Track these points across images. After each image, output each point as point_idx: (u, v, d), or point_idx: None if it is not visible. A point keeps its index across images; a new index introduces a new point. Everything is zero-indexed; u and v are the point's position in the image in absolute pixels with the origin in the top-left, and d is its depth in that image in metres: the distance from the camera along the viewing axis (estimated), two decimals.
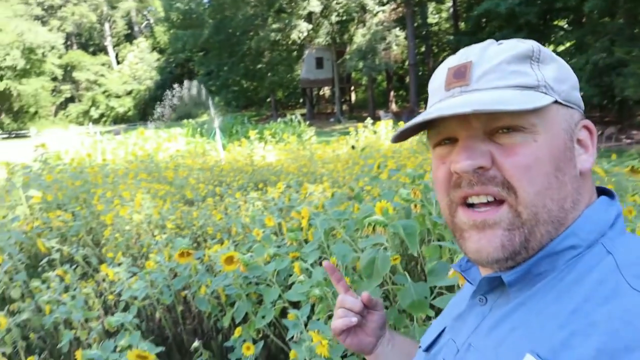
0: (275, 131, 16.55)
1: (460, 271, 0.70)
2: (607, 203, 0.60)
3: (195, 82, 26.09)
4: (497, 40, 0.64)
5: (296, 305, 2.16)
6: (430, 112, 0.59)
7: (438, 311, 2.10)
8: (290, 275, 2.37)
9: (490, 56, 0.59)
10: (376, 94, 38.33)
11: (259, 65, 34.56)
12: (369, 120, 10.03)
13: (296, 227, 2.43)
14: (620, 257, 0.52)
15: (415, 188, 1.99)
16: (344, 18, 30.84)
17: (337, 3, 28.90)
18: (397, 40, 29.21)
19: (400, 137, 0.64)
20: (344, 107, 36.86)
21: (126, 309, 2.40)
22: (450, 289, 1.72)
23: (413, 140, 9.29)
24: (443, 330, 0.71)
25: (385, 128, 9.73)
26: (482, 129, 0.58)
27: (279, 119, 24.29)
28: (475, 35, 27.64)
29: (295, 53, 35.40)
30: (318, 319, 1.76)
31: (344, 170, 6.12)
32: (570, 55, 20.65)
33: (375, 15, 29.03)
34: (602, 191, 0.63)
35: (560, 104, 0.58)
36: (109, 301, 2.77)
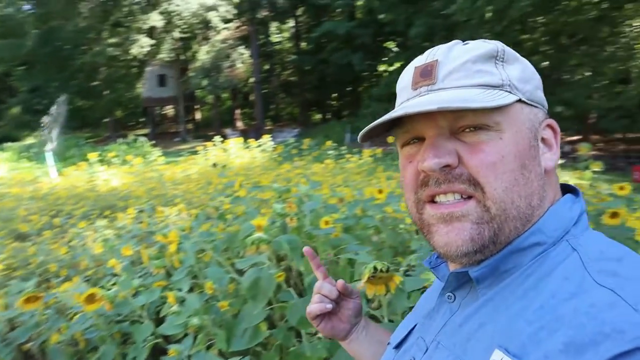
0: (118, 153, 15.37)
1: (430, 267, 0.70)
2: (572, 200, 0.62)
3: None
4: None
5: (167, 339, 1.98)
6: (396, 110, 0.59)
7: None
8: (158, 307, 2.16)
9: (455, 55, 0.60)
10: (222, 112, 38.02)
11: (95, 83, 31.84)
12: (217, 139, 9.85)
13: (160, 254, 2.24)
14: (585, 253, 0.54)
15: (290, 201, 1.96)
16: (188, 35, 30.13)
17: (180, 19, 28.12)
18: (242, 58, 29.41)
19: (367, 136, 0.64)
20: (189, 126, 35.82)
21: None
22: None
23: (264, 157, 9.40)
24: (413, 328, 0.71)
25: (235, 146, 9.65)
26: (449, 128, 0.58)
27: (119, 140, 22.66)
28: (315, 55, 29.15)
29: (135, 70, 33.40)
30: (199, 351, 1.62)
31: (197, 190, 5.88)
32: (400, 74, 22.85)
33: (219, 32, 28.87)
34: (566, 189, 0.65)
35: (525, 102, 0.59)
36: None
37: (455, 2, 17.53)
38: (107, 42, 28.14)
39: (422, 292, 1.54)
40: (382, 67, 29.64)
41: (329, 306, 0.85)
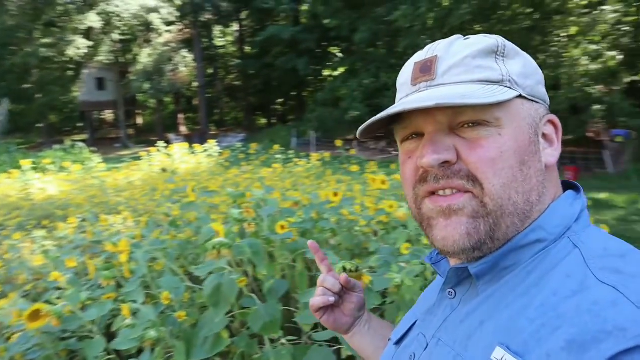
0: (54, 160, 14.57)
1: (431, 263, 0.70)
2: (573, 197, 0.62)
3: None
4: None
5: (120, 354, 1.87)
6: (395, 106, 0.59)
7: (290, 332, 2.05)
8: (109, 321, 2.05)
9: (455, 51, 0.60)
10: (164, 117, 37.02)
11: (26, 85, 30.08)
12: (161, 144, 9.56)
13: (109, 265, 2.12)
14: (587, 250, 0.54)
15: (247, 206, 1.91)
16: (128, 37, 29.11)
17: (120, 20, 27.12)
18: (185, 62, 28.78)
19: (366, 132, 0.63)
20: (130, 131, 34.59)
21: None
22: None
23: (211, 162, 9.21)
24: (414, 324, 0.71)
25: (180, 151, 9.40)
26: (448, 124, 0.58)
27: (55, 146, 21.54)
28: (260, 59, 29.00)
29: (71, 72, 31.84)
30: None
31: (143, 197, 5.66)
32: (344, 79, 23.12)
33: (161, 35, 28.10)
34: (568, 185, 0.65)
35: (525, 98, 0.59)
36: None
37: (398, 9, 17.96)
38: (39, 43, 26.63)
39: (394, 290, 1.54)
40: (327, 72, 29.92)
41: (332, 299, 0.86)
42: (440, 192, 0.59)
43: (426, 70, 0.60)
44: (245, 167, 7.31)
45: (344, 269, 1.12)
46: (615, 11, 13.99)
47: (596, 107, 13.77)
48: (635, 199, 9.43)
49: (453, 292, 0.64)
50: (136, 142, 30.08)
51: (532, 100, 0.60)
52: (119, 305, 1.73)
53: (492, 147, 0.56)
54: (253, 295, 1.59)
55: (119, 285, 2.11)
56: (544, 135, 0.61)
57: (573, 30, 15.78)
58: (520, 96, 0.58)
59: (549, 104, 0.64)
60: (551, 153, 0.61)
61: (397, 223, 2.58)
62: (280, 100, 37.10)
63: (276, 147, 7.18)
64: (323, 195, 2.88)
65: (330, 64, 27.89)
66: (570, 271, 0.52)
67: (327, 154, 7.30)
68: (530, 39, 16.20)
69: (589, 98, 13.98)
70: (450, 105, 0.53)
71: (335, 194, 2.79)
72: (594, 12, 14.27)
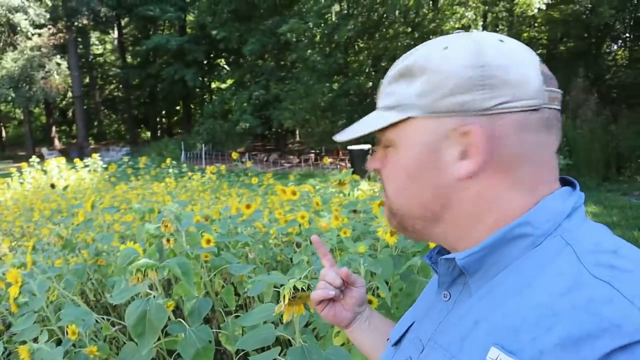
0: None
1: (430, 263, 0.72)
2: (567, 193, 0.60)
3: None
4: None
5: None
6: (360, 129, 0.68)
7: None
8: None
9: (386, 76, 0.66)
10: (34, 130, 33.74)
11: None
12: (34, 159, 8.63)
13: None
14: (580, 247, 0.53)
15: (166, 220, 1.73)
16: None
17: None
18: (59, 69, 26.44)
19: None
20: None
21: None
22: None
23: (95, 177, 8.52)
24: (411, 325, 0.72)
25: (58, 167, 8.55)
26: (381, 141, 0.68)
27: None
28: (144, 69, 27.66)
29: None
30: None
31: (16, 218, 5.03)
32: (234, 91, 22.89)
33: (29, 38, 25.51)
34: (566, 182, 0.64)
35: (422, 117, 0.60)
36: None
37: (287, 22, 18.23)
38: None
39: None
40: (215, 84, 29.40)
41: (332, 292, 0.87)
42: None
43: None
44: (134, 183, 6.84)
45: (295, 289, 1.07)
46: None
47: None
48: None
49: (448, 294, 0.64)
50: (1, 157, 26.97)
51: (434, 117, 0.59)
52: (12, 347, 1.45)
53: (389, 163, 0.66)
54: (180, 320, 1.42)
55: (5, 323, 1.80)
56: (465, 146, 0.58)
57: None
58: (410, 117, 0.61)
59: (471, 110, 0.58)
60: (465, 166, 0.58)
61: (312, 233, 2.53)
62: (165, 113, 35.66)
63: (169, 160, 6.83)
64: (234, 208, 2.75)
65: (219, 75, 27.42)
66: (564, 269, 0.51)
67: (222, 167, 7.10)
68: None
69: None
70: (350, 138, 0.68)
71: (248, 206, 2.68)
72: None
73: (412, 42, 17.38)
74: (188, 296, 1.76)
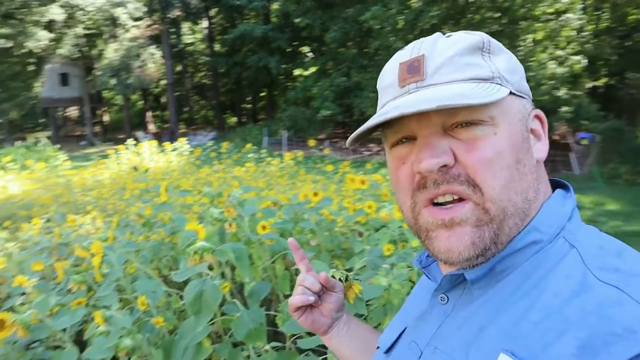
0: (15, 157, 14.02)
1: (421, 267, 0.68)
2: (563, 196, 0.60)
3: None
4: None
5: None
6: (388, 111, 0.55)
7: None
8: (79, 327, 1.94)
9: (442, 49, 0.57)
10: (132, 115, 36.24)
11: None
12: (131, 142, 9.31)
13: (79, 268, 2.00)
14: (584, 249, 0.52)
15: (229, 206, 1.83)
16: (93, 31, 28.30)
17: (84, 14, 26.34)
18: (153, 58, 28.19)
19: (357, 139, 0.60)
20: (97, 128, 33.74)
21: None
22: None
23: (182, 160, 9.03)
24: (404, 331, 0.68)
25: (150, 149, 9.17)
26: (442, 125, 0.55)
27: (16, 143, 20.77)
28: (231, 57, 28.69)
29: (32, 67, 30.76)
30: None
31: (112, 196, 5.48)
32: (316, 78, 23.12)
33: (128, 30, 27.43)
34: (556, 184, 0.64)
35: (514, 94, 0.57)
36: None
37: (369, 9, 18.05)
38: None
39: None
40: (298, 71, 29.85)
41: (312, 298, 0.83)
42: (440, 199, 0.56)
43: (414, 70, 0.57)
44: (217, 166, 7.18)
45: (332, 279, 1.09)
46: (579, 19, 14.45)
47: (565, 109, 14.17)
48: (602, 201, 9.72)
49: (445, 297, 0.61)
50: (103, 140, 29.36)
51: (520, 96, 0.59)
52: (91, 311, 1.63)
53: (488, 147, 0.54)
54: (236, 301, 1.51)
55: (89, 290, 2.01)
56: (532, 131, 0.59)
57: (540, 35, 16.19)
58: (510, 92, 0.56)
59: (532, 98, 0.63)
60: (541, 148, 0.59)
61: (377, 223, 2.54)
62: (250, 99, 36.83)
63: (249, 145, 7.08)
64: (302, 195, 2.83)
65: (302, 63, 27.80)
66: (570, 272, 0.50)
67: (300, 153, 7.25)
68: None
69: (557, 101, 14.39)
70: (453, 106, 0.51)
71: (315, 194, 2.74)
72: (560, 19, 14.69)
73: (500, 28, 16.53)
74: (248, 279, 1.86)
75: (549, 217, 0.57)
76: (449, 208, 0.55)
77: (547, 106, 14.73)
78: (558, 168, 13.89)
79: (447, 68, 0.56)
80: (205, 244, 1.35)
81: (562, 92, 14.45)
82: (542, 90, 14.26)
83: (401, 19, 18.14)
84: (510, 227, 0.54)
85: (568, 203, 0.59)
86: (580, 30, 14.75)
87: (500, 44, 0.60)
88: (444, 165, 0.54)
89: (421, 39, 0.61)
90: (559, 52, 14.46)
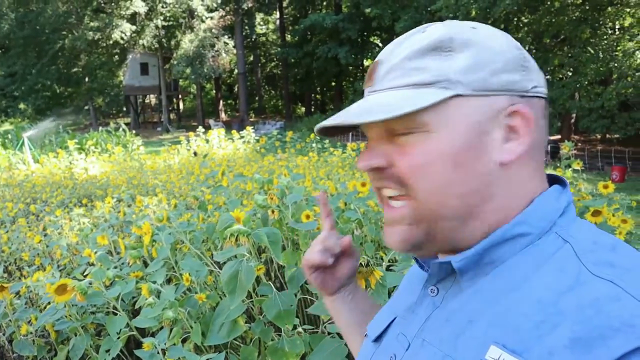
0: (98, 141, 15.09)
1: (413, 257, 0.68)
2: (559, 191, 0.59)
3: None
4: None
5: (142, 332, 1.93)
6: (340, 115, 0.59)
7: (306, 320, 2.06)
8: (134, 299, 2.11)
9: (398, 52, 0.57)
10: (205, 103, 37.66)
11: (75, 69, 31.21)
12: (200, 129, 9.74)
13: (138, 244, 2.18)
14: (578, 244, 0.52)
15: (272, 193, 1.92)
16: (171, 23, 29.70)
17: (164, 6, 27.69)
18: (226, 48, 29.13)
19: (324, 132, 0.63)
20: (172, 116, 35.45)
21: None
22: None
23: (248, 148, 9.32)
24: (393, 321, 0.68)
25: (218, 137, 9.56)
26: (385, 131, 0.58)
27: (100, 128, 22.32)
28: (301, 48, 29.01)
29: (117, 57, 32.80)
30: (174, 344, 1.57)
31: (179, 180, 5.79)
32: None
33: (203, 21, 28.52)
34: (555, 180, 0.62)
35: (468, 95, 0.54)
36: None
37: None
38: (87, 26, 27.52)
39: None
40: (367, 62, 29.65)
41: (330, 260, 0.82)
42: (385, 192, 0.60)
43: (370, 75, 0.60)
44: (280, 155, 7.36)
45: None
46: None
47: None
48: None
49: (435, 289, 0.61)
50: (177, 127, 30.81)
51: (483, 95, 0.55)
52: (142, 285, 1.78)
53: (418, 153, 0.55)
54: (270, 283, 1.60)
55: (147, 265, 2.17)
56: (511, 128, 0.55)
57: (627, 21, 15.04)
58: (459, 95, 0.54)
59: (519, 91, 0.57)
60: (510, 149, 0.55)
61: None
62: (319, 89, 37.09)
63: (312, 135, 7.17)
64: (351, 185, 2.87)
65: (371, 53, 27.58)
66: (563, 266, 0.50)
67: (362, 144, 7.25)
68: (579, 32, 15.54)
69: None
70: (359, 123, 0.55)
71: (363, 184, 2.77)
72: None
73: (582, 16, 15.55)
74: (290, 264, 1.94)
75: (540, 211, 0.56)
76: (392, 207, 0.59)
77: (632, 100, 13.70)
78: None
79: (393, 73, 0.56)
80: (241, 227, 1.44)
81: None
82: (627, 82, 13.25)
83: (474, 8, 17.52)
84: (445, 228, 0.56)
85: (562, 198, 0.58)
86: None
87: (471, 37, 0.56)
88: (377, 168, 0.58)
89: (401, 35, 0.60)
90: None
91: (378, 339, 0.69)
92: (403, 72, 0.55)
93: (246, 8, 29.81)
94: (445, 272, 0.60)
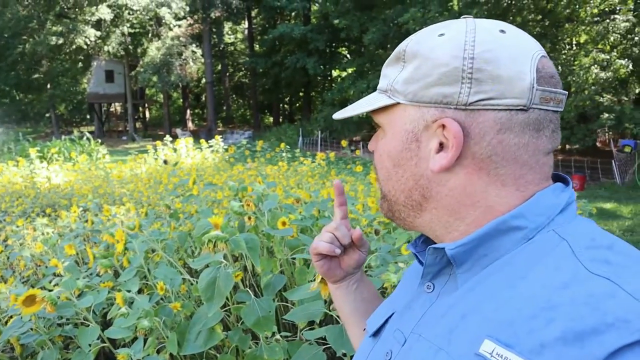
0: (61, 149, 14.64)
1: (415, 252, 0.70)
2: (560, 189, 0.59)
3: None
4: None
5: (114, 344, 1.87)
6: (346, 109, 0.71)
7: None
8: (104, 309, 2.05)
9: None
10: (172, 112, 37.17)
11: (36, 75, 30.30)
12: (168, 138, 9.61)
13: (107, 253, 2.12)
14: (575, 242, 0.52)
15: (248, 199, 1.90)
16: (138, 30, 29.25)
17: (130, 13, 27.25)
18: (194, 57, 28.86)
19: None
20: (138, 124, 34.83)
21: None
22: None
23: (217, 157, 9.24)
24: (390, 317, 0.69)
25: (186, 146, 9.45)
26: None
27: (62, 137, 21.69)
28: (270, 57, 29.03)
29: (81, 64, 32.01)
30: (149, 355, 1.53)
31: (147, 189, 5.68)
32: (353, 80, 23.14)
33: (171, 29, 28.19)
34: (559, 178, 0.63)
35: (407, 104, 0.60)
36: None
37: (408, 11, 17.93)
38: (50, 31, 26.76)
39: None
40: (335, 73, 29.91)
41: (338, 251, 0.82)
42: None
43: None
44: (250, 164, 7.31)
45: None
46: (627, 20, 13.86)
47: (605, 115, 13.62)
48: None
49: (432, 285, 0.62)
50: (143, 136, 30.25)
51: (416, 106, 0.59)
52: (116, 294, 1.72)
53: (379, 147, 0.67)
54: (248, 290, 1.58)
55: (117, 275, 2.11)
56: (442, 140, 0.57)
57: (583, 38, 15.67)
58: (398, 103, 0.61)
59: (452, 104, 0.56)
60: (438, 160, 0.58)
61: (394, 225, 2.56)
62: (287, 99, 37.13)
63: (282, 145, 7.17)
64: (324, 193, 2.87)
65: (339, 64, 27.86)
66: (560, 264, 0.50)
67: (332, 154, 7.30)
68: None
69: (599, 106, 13.86)
70: (339, 118, 0.71)
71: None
72: (606, 21, 14.14)
73: (542, 31, 16.12)
74: (265, 271, 1.92)
75: (537, 206, 0.56)
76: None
77: (590, 112, 14.23)
78: (598, 176, 13.40)
79: (381, 75, 0.66)
80: (219, 233, 1.42)
81: (605, 98, 13.88)
82: (584, 96, 13.78)
83: (440, 21, 17.91)
84: (405, 213, 0.65)
85: (562, 196, 0.58)
86: (627, 32, 14.06)
87: (420, 51, 0.58)
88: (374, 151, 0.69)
89: None
90: (603, 56, 13.86)
91: (376, 333, 0.70)
92: (381, 76, 0.65)
93: (214, 17, 29.65)
94: (440, 264, 0.61)
